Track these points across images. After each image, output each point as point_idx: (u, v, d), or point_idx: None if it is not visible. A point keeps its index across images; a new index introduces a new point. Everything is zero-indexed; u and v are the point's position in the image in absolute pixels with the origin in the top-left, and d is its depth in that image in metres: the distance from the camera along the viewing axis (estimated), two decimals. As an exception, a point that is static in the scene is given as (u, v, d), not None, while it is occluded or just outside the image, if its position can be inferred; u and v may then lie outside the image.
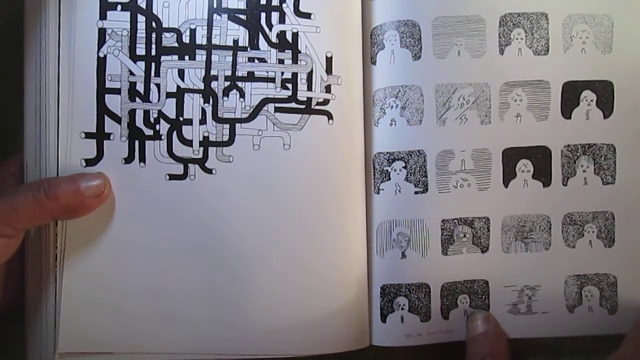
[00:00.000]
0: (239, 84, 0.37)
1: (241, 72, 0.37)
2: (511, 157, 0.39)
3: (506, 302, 0.40)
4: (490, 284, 0.40)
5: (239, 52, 0.37)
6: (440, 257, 0.39)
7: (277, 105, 0.37)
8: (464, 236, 0.39)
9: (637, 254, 0.40)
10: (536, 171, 0.39)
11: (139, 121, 0.36)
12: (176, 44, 0.37)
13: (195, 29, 0.37)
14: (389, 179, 0.39)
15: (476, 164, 0.39)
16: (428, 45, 0.39)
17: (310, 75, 0.38)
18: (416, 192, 0.39)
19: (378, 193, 0.39)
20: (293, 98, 0.38)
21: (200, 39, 0.37)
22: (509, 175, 0.39)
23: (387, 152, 0.39)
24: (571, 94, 0.39)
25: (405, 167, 0.39)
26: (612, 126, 0.39)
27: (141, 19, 0.36)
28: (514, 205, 0.40)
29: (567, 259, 0.40)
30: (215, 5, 0.37)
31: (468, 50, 0.39)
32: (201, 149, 0.37)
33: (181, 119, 0.37)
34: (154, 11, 0.36)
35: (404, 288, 0.39)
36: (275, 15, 0.37)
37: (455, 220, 0.39)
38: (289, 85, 0.38)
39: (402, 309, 0.39)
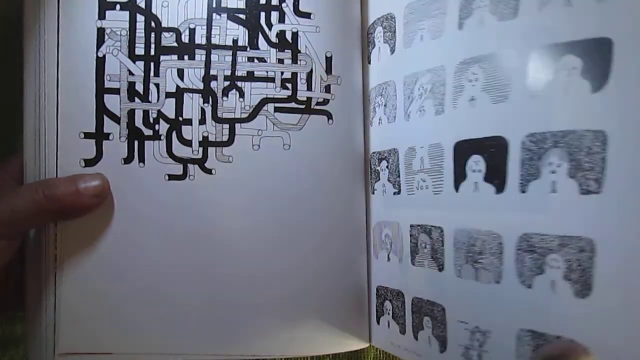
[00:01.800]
0: (239, 83, 0.37)
1: (241, 71, 0.37)
2: (462, 152, 0.30)
3: (459, 342, 0.30)
4: (447, 313, 0.31)
5: (238, 52, 0.37)
6: (410, 267, 0.34)
7: (277, 105, 0.37)
8: (425, 247, 0.33)
9: (624, 313, 0.23)
10: (489, 171, 0.29)
11: (138, 121, 0.36)
12: (175, 44, 0.36)
13: (194, 29, 0.37)
14: (379, 179, 0.38)
15: (432, 162, 0.32)
16: (400, 37, 0.35)
17: (310, 75, 0.38)
18: (394, 193, 0.36)
19: (373, 193, 0.39)
20: (293, 98, 0.37)
21: (200, 39, 0.37)
22: (459, 177, 0.30)
23: (377, 152, 0.38)
24: (544, 62, 0.27)
25: (387, 167, 0.36)
26: (604, 103, 0.25)
27: (140, 18, 0.36)
28: (465, 215, 0.30)
29: (520, 303, 0.27)
30: (214, 5, 0.37)
31: (429, 33, 0.33)
32: (201, 149, 0.37)
33: (180, 119, 0.37)
34: (153, 11, 0.36)
35: (389, 292, 0.37)
36: (274, 15, 0.37)
37: (419, 227, 0.33)
38: (289, 85, 0.37)
39: (389, 314, 0.37)
